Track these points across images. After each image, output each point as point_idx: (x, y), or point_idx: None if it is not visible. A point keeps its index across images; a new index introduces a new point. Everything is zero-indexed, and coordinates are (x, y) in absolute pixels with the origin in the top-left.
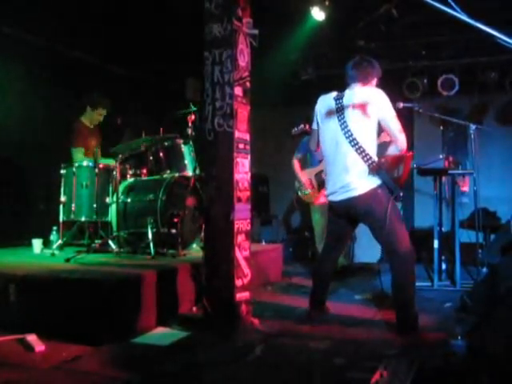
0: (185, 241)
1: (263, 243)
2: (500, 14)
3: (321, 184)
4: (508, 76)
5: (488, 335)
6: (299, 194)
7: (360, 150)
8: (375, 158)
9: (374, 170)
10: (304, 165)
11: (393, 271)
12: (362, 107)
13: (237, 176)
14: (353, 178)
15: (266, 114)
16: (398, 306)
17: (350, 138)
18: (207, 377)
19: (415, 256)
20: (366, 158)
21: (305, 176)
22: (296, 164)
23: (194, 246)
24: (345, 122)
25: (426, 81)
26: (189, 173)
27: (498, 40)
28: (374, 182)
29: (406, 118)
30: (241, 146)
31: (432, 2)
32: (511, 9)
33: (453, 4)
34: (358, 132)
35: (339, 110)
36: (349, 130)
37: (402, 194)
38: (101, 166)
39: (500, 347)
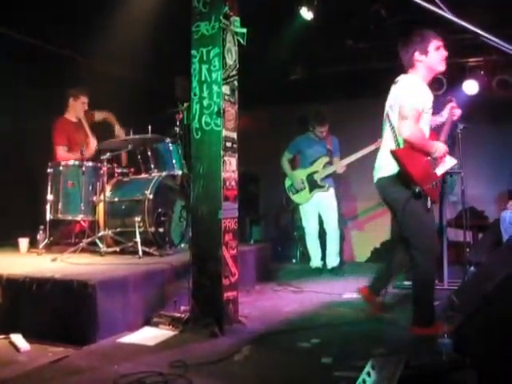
0: (172, 240)
1: (252, 242)
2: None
3: (312, 185)
4: (495, 76)
5: (472, 334)
6: (289, 194)
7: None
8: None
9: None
10: (294, 165)
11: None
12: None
13: (224, 174)
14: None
15: (256, 113)
16: (413, 300)
17: None
18: (194, 376)
19: (434, 254)
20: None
21: (296, 176)
22: (286, 164)
23: (183, 245)
24: None
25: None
26: (176, 172)
27: (485, 40)
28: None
29: None
30: (228, 144)
31: (419, 2)
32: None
33: (440, 3)
34: None
35: None
36: None
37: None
38: (88, 164)
39: (482, 347)
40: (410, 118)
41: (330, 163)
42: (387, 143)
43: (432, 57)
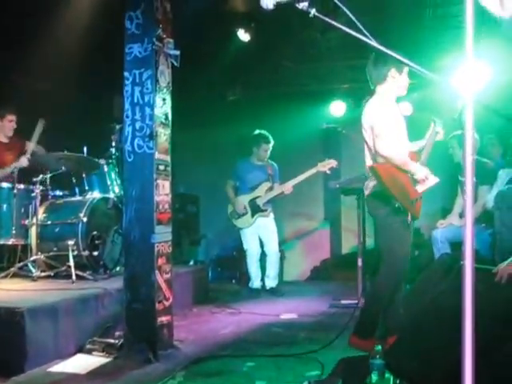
0: (107, 264)
1: (191, 263)
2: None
3: (255, 209)
4: None
5: (404, 354)
6: (232, 219)
7: None
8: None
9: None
10: (235, 191)
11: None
12: None
13: (157, 198)
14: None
15: (194, 134)
16: (361, 309)
17: None
18: None
19: (400, 273)
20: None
21: (239, 202)
22: (230, 191)
23: (118, 268)
24: None
25: (350, 101)
26: (111, 194)
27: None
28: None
29: (332, 138)
30: (161, 167)
31: (345, 29)
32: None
33: (364, 31)
34: None
35: None
36: None
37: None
38: (20, 186)
39: (414, 366)
40: (384, 135)
41: (271, 188)
42: (368, 163)
43: (404, 78)
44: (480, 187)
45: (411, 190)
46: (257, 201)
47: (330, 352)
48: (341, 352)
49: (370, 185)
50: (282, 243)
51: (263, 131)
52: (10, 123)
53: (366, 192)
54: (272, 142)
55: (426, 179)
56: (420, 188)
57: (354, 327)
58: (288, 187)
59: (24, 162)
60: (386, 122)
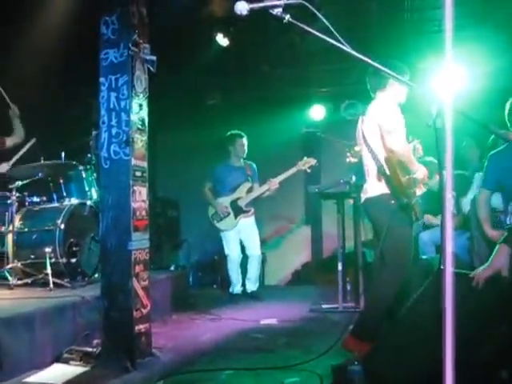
0: (85, 271)
1: (172, 268)
2: None
3: (237, 211)
4: None
5: (381, 360)
6: (214, 222)
7: None
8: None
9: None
10: (214, 193)
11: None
12: None
13: (134, 205)
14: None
15: (173, 139)
16: (363, 312)
17: None
18: None
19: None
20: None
21: (220, 204)
22: (208, 193)
23: (96, 275)
24: None
25: (330, 106)
26: (89, 200)
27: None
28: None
29: (312, 142)
30: (138, 173)
31: (320, 35)
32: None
33: (339, 37)
34: None
35: None
36: None
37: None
38: None
39: (391, 372)
40: (395, 130)
41: (251, 189)
42: (370, 169)
43: (403, 88)
44: (460, 199)
45: (412, 190)
46: (238, 202)
47: (310, 357)
48: (320, 357)
49: (371, 187)
50: (263, 246)
51: (234, 131)
52: None
53: (367, 195)
54: (245, 137)
55: (426, 179)
56: (418, 190)
57: (352, 329)
58: (274, 182)
59: (3, 168)
60: (395, 119)
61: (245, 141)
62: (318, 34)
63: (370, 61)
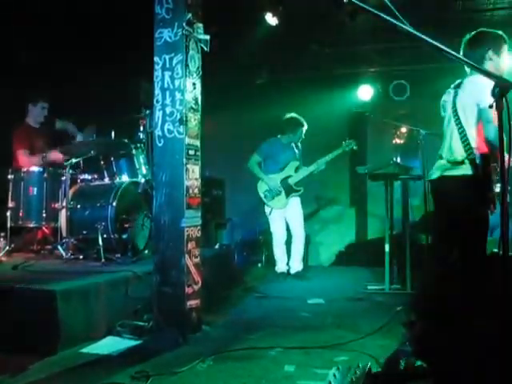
0: (136, 247)
1: (217, 247)
2: None
3: (288, 190)
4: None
5: (432, 341)
6: (265, 199)
7: None
8: None
9: None
10: (263, 169)
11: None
12: None
13: (187, 182)
14: None
15: (220, 118)
16: None
17: None
18: None
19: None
20: None
21: (273, 180)
22: (257, 167)
23: (146, 252)
24: None
25: (378, 86)
26: (140, 178)
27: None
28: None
29: (358, 123)
30: (191, 152)
31: (378, 13)
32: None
33: (397, 14)
34: None
35: None
36: None
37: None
38: (51, 170)
39: (441, 353)
40: (493, 121)
41: (298, 168)
42: (455, 144)
43: (502, 60)
44: None
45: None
46: (288, 180)
47: (357, 337)
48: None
49: (454, 167)
50: (307, 227)
51: (296, 115)
52: (42, 110)
53: (446, 173)
54: (306, 126)
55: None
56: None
57: None
58: (322, 163)
59: (58, 157)
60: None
61: (305, 129)
62: (376, 12)
63: (426, 38)
